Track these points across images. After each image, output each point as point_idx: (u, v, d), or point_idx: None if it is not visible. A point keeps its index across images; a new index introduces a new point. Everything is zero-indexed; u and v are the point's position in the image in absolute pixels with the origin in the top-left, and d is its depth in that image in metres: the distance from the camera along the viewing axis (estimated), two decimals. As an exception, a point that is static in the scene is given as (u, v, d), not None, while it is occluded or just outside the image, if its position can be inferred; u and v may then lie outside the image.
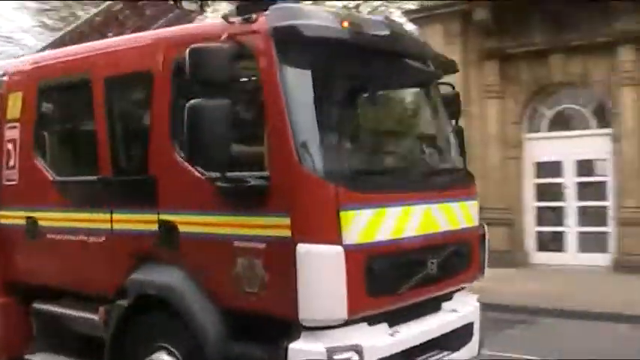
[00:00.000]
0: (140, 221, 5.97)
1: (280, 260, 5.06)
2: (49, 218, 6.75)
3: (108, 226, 6.21)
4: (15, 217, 7.04)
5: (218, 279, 5.47)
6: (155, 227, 5.84)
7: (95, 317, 6.22)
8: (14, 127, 7.04)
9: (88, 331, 6.50)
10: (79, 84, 6.67)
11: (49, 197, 6.78)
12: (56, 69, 7.00)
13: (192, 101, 4.94)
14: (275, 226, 5.10)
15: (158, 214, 5.81)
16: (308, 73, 5.26)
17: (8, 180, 7.08)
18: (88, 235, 6.40)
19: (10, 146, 7.04)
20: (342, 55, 5.48)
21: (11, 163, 7.06)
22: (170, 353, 5.65)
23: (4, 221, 7.13)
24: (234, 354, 5.26)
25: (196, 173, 5.46)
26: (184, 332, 5.52)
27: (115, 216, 6.16)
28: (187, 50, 5.01)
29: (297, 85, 5.15)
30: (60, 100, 7.23)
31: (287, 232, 5.03)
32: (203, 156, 5.10)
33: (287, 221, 5.03)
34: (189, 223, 5.64)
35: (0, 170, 7.12)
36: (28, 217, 6.91)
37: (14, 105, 7.10)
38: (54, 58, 7.34)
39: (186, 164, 5.55)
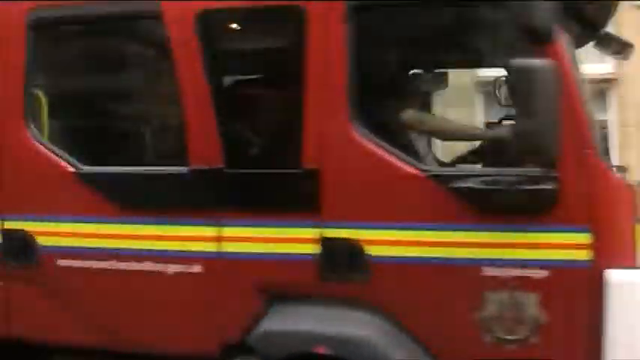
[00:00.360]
0: (284, 239, 3.86)
1: (569, 293, 3.50)
2: (63, 233, 4.27)
3: (213, 247, 3.98)
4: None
5: (447, 324, 3.65)
6: (312, 248, 3.80)
7: None
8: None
9: None
10: (117, 17, 4.27)
11: (64, 199, 4.28)
12: None
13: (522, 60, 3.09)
14: (561, 245, 3.48)
15: (321, 227, 3.75)
16: None
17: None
18: (161, 261, 4.08)
19: None
20: None
21: None
22: None
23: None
24: None
25: (409, 169, 3.64)
26: None
27: (228, 231, 3.94)
28: None
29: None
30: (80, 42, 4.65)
31: (581, 254, 3.46)
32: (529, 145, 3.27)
33: (581, 238, 3.46)
34: (388, 242, 3.72)
35: None
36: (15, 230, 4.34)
37: None
38: None
39: (383, 152, 3.67)
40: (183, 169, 4.00)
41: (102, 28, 4.54)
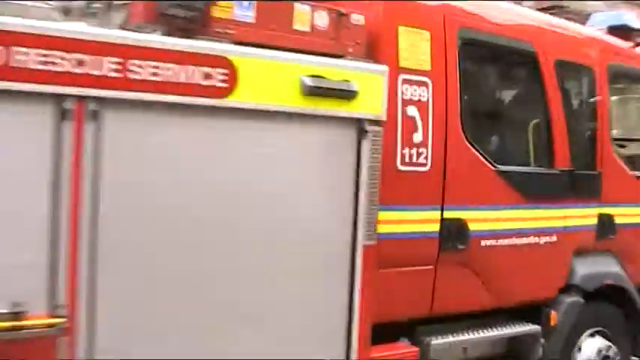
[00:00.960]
0: (587, 215, 6.11)
1: None
2: (483, 219, 5.31)
3: (562, 223, 5.86)
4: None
5: (633, 262, 6.57)
6: (594, 221, 6.17)
7: (531, 327, 5.75)
8: (421, 83, 4.84)
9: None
10: (519, 53, 5.72)
11: (487, 192, 5.33)
12: (483, 21, 5.37)
13: None
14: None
15: (599, 207, 6.22)
16: None
17: (409, 164, 4.82)
18: (539, 235, 5.69)
19: (412, 111, 4.79)
20: None
21: (416, 137, 4.82)
22: (604, 335, 6.22)
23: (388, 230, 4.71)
24: None
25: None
26: (619, 316, 6.37)
27: (569, 211, 5.92)
28: None
29: None
30: (491, 64, 5.72)
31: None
32: None
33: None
34: (622, 213, 6.40)
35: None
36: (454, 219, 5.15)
37: (414, 47, 4.84)
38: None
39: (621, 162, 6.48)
40: (556, 171, 5.79)
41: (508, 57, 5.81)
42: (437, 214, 5.02)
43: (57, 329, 3.32)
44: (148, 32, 3.77)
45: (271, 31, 4.14)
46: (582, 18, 7.58)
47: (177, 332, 3.71)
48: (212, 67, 3.75)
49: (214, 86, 3.76)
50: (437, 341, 5.07)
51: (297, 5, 4.26)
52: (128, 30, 3.81)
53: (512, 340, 5.74)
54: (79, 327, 3.41)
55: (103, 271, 3.48)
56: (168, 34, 3.79)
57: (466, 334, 5.34)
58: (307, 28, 4.29)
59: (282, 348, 4.06)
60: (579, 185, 5.94)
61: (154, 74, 3.57)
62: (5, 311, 3.17)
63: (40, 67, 3.25)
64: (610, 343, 6.16)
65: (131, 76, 3.50)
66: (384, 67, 4.48)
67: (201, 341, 3.79)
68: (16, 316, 3.19)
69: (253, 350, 3.95)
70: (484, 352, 5.60)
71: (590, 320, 6.09)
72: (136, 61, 3.51)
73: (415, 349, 4.92)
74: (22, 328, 3.21)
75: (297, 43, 4.22)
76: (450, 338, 5.20)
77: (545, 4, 6.01)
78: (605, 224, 6.21)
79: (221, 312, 3.85)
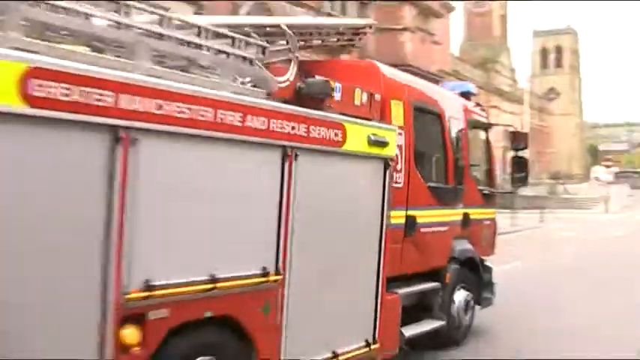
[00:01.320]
0: (458, 214, 10.06)
1: None
2: (422, 215, 8.81)
3: (450, 218, 9.76)
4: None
5: (479, 243, 10.58)
6: (461, 217, 10.08)
7: (436, 284, 9.40)
8: (400, 134, 8.08)
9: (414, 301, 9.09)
10: (434, 113, 9.51)
11: (424, 199, 8.92)
12: (422, 95, 9.12)
13: None
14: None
15: (463, 209, 10.16)
16: None
17: (395, 182, 8.04)
18: (443, 225, 9.43)
19: (397, 151, 7.98)
20: None
21: (398, 167, 8.16)
22: (466, 289, 10.17)
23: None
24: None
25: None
26: (474, 276, 10.37)
27: (453, 211, 9.89)
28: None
29: None
30: (423, 120, 8.97)
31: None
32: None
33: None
34: (474, 213, 10.37)
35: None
36: (410, 216, 8.56)
37: (397, 112, 8.23)
38: (419, 85, 9.58)
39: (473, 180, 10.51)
40: (449, 186, 9.67)
41: (430, 115, 9.50)
42: (404, 213, 8.42)
43: (278, 283, 6.15)
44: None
45: (348, 105, 7.14)
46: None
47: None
48: (335, 128, 6.70)
49: (334, 140, 6.70)
50: (402, 291, 8.32)
51: (357, 89, 7.34)
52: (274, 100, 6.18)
53: (421, 293, 9.14)
54: (287, 281, 6.24)
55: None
56: (302, 104, 6.48)
57: (407, 288, 8.61)
58: (359, 103, 7.37)
59: (359, 285, 7.39)
60: (457, 195, 9.78)
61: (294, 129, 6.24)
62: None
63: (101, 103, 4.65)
64: (469, 293, 10.14)
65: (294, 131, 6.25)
66: (395, 127, 7.80)
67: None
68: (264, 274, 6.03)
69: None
70: (410, 302, 8.78)
71: (460, 279, 9.97)
72: (278, 121, 6.01)
73: (396, 295, 8.12)
74: (266, 282, 6.04)
75: (356, 111, 7.21)
76: (405, 289, 8.48)
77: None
78: (466, 220, 10.13)
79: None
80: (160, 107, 4.96)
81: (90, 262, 4.67)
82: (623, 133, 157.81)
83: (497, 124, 13.53)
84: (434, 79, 37.13)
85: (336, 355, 6.87)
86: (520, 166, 11.53)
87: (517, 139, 11.57)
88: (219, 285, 5.46)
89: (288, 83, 6.56)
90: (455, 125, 9.80)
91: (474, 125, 10.77)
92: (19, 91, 4.12)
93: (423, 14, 36.53)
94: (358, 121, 7.08)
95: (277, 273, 6.10)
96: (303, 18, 15.26)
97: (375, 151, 7.30)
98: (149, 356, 5.04)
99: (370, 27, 9.19)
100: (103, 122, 4.63)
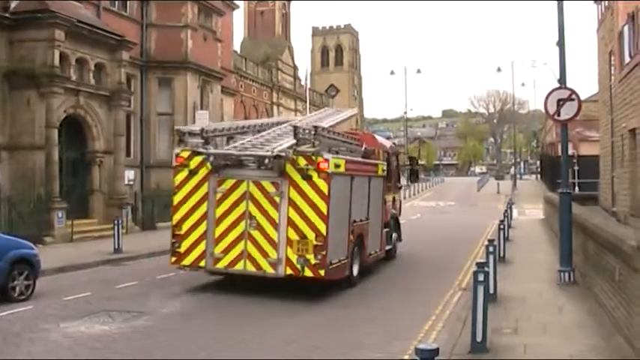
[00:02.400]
0: (393, 196, 22.67)
1: None
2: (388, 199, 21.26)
3: (393, 198, 22.65)
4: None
5: (397, 209, 23.58)
6: (393, 198, 22.75)
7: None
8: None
9: None
10: (388, 152, 22.47)
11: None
12: (384, 145, 21.99)
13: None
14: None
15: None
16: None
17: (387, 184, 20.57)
18: (392, 202, 22.14)
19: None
20: None
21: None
22: (395, 231, 22.30)
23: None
24: None
25: None
26: (397, 225, 23.01)
27: (394, 195, 22.91)
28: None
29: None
30: (388, 156, 21.69)
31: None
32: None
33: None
34: (396, 196, 23.46)
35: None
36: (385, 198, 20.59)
37: (380, 156, 20.21)
38: (383, 140, 22.44)
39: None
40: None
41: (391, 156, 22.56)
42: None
43: (367, 222, 17.46)
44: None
45: (375, 155, 19.65)
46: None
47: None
48: (376, 166, 18.51)
49: (374, 171, 18.26)
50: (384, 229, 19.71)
51: (376, 149, 20.22)
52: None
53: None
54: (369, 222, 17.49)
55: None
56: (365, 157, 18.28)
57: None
58: (376, 154, 19.90)
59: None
60: (395, 187, 22.48)
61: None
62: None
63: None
64: (396, 233, 21.78)
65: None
66: (384, 162, 19.72)
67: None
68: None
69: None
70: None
71: (394, 226, 21.94)
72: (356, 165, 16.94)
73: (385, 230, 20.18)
74: (366, 221, 17.55)
75: (375, 157, 19.47)
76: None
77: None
78: (394, 199, 22.19)
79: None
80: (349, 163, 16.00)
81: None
82: (400, 128, 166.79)
83: (403, 152, 32.04)
84: (216, 76, 37.27)
85: (376, 252, 18.37)
86: (413, 172, 27.59)
87: (412, 160, 29.42)
88: (357, 223, 16.42)
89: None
90: (393, 156, 22.24)
91: (396, 154, 23.23)
92: (345, 167, 15.37)
93: (205, 12, 36.58)
94: (379, 162, 19.12)
95: (367, 219, 17.29)
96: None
97: (381, 173, 18.80)
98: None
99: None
100: (348, 174, 15.94)
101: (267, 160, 14.40)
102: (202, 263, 15.02)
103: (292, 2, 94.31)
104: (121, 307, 13.29)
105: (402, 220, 24.17)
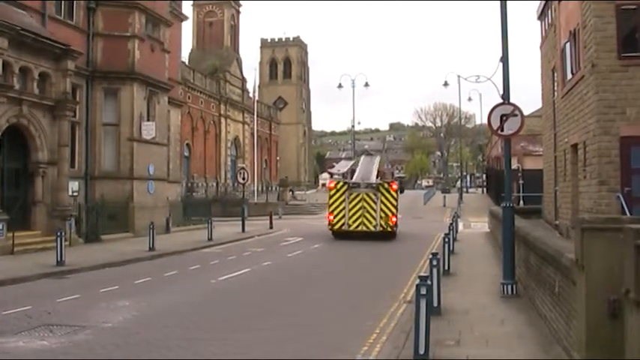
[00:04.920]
0: None
1: None
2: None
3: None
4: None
5: None
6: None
7: None
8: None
9: None
10: (394, 177, 63.22)
11: None
12: (393, 173, 53.09)
13: None
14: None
15: None
16: None
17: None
18: None
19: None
20: None
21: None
22: None
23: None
24: None
25: None
26: None
27: None
28: None
29: None
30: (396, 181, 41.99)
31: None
32: None
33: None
34: None
35: None
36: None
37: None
38: (388, 171, 55.44)
39: None
40: None
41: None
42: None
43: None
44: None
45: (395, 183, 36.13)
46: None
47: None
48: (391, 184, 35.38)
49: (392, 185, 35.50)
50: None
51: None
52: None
53: None
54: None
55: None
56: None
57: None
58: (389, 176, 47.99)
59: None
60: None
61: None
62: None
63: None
64: None
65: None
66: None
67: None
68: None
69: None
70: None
71: None
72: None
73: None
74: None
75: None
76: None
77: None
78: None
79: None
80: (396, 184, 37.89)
81: None
82: (348, 141, 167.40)
83: (397, 176, 51.47)
84: (163, 87, 37.07)
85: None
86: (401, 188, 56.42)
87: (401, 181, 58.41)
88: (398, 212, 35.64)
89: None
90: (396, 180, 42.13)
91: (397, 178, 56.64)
92: (397, 185, 38.13)
93: (153, 22, 36.34)
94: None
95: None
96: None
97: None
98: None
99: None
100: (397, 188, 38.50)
101: (373, 185, 34.36)
102: (343, 228, 33.79)
103: (241, 14, 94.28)
104: (62, 321, 13.04)
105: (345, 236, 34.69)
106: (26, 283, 18.54)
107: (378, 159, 43.04)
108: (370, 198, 33.25)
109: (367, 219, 33.25)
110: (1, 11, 25.55)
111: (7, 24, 24.75)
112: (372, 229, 33.08)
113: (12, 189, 27.07)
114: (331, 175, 39.65)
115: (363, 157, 43.15)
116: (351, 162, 43.97)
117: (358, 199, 33.32)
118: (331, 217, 33.84)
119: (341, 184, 34.41)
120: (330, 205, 33.90)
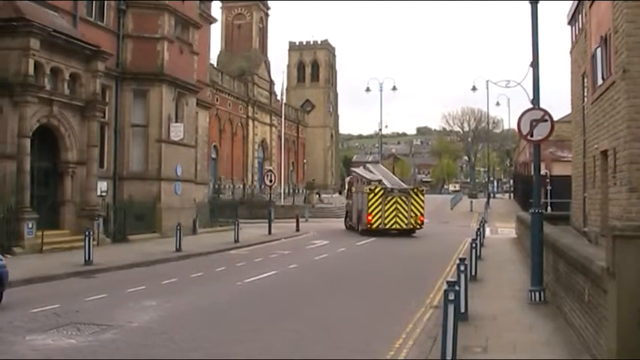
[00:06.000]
0: None
1: None
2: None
3: None
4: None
5: None
6: None
7: None
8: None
9: None
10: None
11: None
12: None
13: None
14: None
15: None
16: None
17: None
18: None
19: None
20: None
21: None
22: None
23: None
24: None
25: None
26: None
27: None
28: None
29: None
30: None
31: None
32: None
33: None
34: None
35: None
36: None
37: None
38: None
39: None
40: None
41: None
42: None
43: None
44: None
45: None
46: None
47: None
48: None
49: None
50: None
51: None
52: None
53: None
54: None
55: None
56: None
57: None
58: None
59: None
60: None
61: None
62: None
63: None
64: None
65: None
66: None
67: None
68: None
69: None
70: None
71: None
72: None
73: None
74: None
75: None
76: None
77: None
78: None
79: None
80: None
81: None
82: (375, 144, 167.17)
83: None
84: (192, 89, 37.19)
85: None
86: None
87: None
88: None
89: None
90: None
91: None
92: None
93: (182, 24, 36.54)
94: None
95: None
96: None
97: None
98: None
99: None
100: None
101: (405, 190, 40.28)
102: (380, 226, 38.50)
103: (270, 17, 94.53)
104: (90, 320, 13.12)
105: (371, 239, 36.86)
106: (55, 282, 18.72)
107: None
108: (402, 201, 38.85)
109: (400, 218, 38.71)
110: (34, 12, 25.83)
111: (40, 25, 25.02)
112: (405, 226, 38.87)
113: (42, 188, 27.31)
114: (369, 182, 42.46)
115: (374, 166, 49.54)
116: (366, 169, 47.34)
117: (393, 201, 38.67)
118: (370, 218, 38.71)
119: (379, 189, 39.38)
120: (369, 207, 38.72)
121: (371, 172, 45.10)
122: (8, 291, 15.10)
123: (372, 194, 38.80)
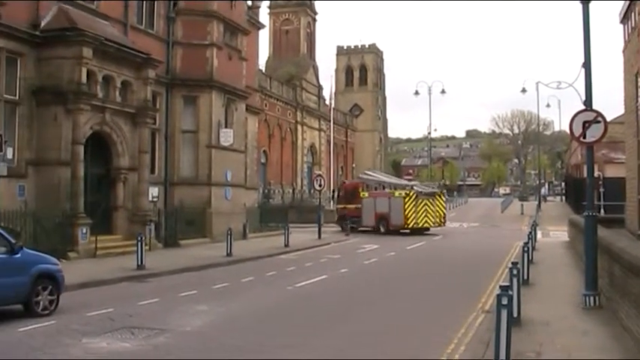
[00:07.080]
0: None
1: None
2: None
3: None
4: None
5: None
6: None
7: None
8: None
9: None
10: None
11: None
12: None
13: None
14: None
15: None
16: None
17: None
18: None
19: None
20: None
21: None
22: None
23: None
24: None
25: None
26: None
27: None
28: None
29: None
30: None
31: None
32: None
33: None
34: None
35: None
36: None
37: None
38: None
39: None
40: None
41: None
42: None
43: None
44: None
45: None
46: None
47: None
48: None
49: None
50: None
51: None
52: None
53: None
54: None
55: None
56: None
57: None
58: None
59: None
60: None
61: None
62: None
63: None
64: None
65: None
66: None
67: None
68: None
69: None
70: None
71: None
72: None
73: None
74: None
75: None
76: None
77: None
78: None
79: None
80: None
81: None
82: (424, 148, 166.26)
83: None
84: (241, 95, 37.47)
85: None
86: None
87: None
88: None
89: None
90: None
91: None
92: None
93: (231, 30, 36.84)
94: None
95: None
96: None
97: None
98: None
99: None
100: None
101: (431, 194, 45.83)
102: (413, 225, 43.66)
103: (317, 22, 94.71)
104: (143, 323, 13.30)
105: (421, 243, 37.34)
106: (108, 286, 19.03)
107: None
108: (430, 203, 44.84)
109: (429, 217, 44.69)
110: (86, 22, 26.32)
111: (92, 34, 25.48)
112: (432, 224, 44.93)
113: (95, 194, 27.75)
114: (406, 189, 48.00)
115: (372, 171, 65.15)
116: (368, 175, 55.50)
117: (423, 203, 44.37)
118: (406, 218, 43.91)
119: (413, 193, 45.09)
120: (406, 209, 43.89)
121: (373, 176, 54.32)
122: (64, 295, 15.37)
123: (408, 197, 44.21)
